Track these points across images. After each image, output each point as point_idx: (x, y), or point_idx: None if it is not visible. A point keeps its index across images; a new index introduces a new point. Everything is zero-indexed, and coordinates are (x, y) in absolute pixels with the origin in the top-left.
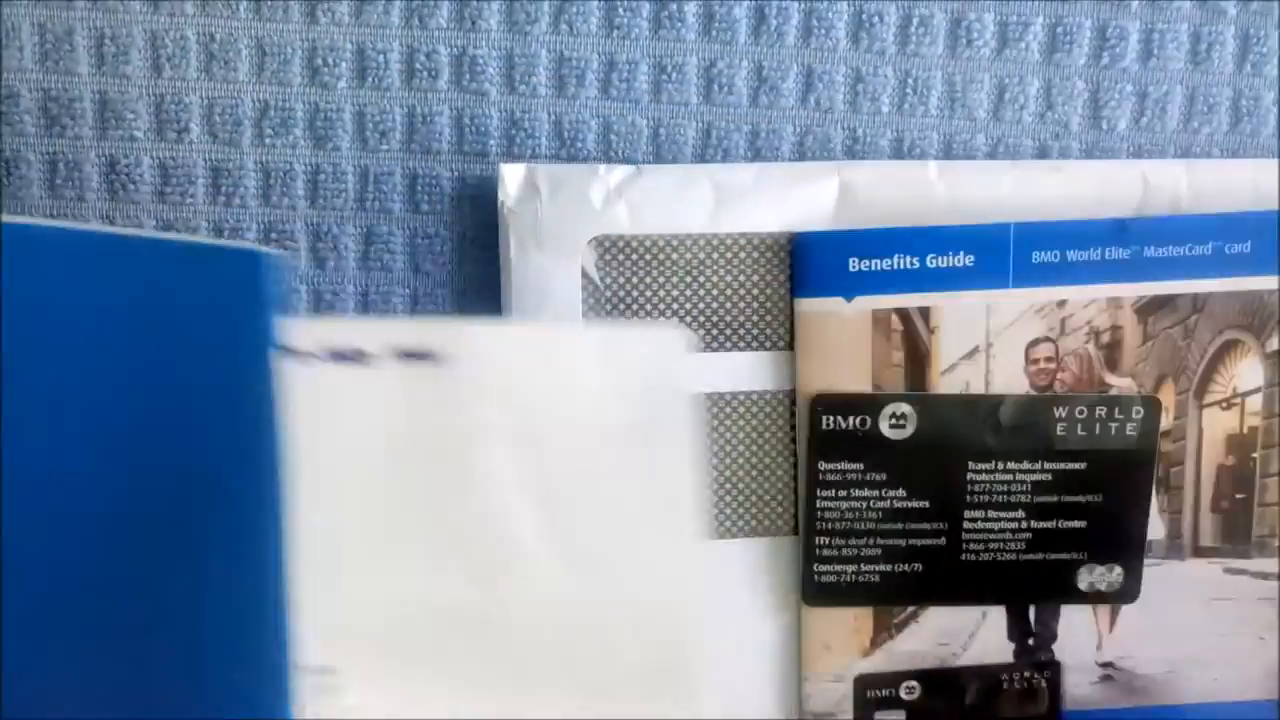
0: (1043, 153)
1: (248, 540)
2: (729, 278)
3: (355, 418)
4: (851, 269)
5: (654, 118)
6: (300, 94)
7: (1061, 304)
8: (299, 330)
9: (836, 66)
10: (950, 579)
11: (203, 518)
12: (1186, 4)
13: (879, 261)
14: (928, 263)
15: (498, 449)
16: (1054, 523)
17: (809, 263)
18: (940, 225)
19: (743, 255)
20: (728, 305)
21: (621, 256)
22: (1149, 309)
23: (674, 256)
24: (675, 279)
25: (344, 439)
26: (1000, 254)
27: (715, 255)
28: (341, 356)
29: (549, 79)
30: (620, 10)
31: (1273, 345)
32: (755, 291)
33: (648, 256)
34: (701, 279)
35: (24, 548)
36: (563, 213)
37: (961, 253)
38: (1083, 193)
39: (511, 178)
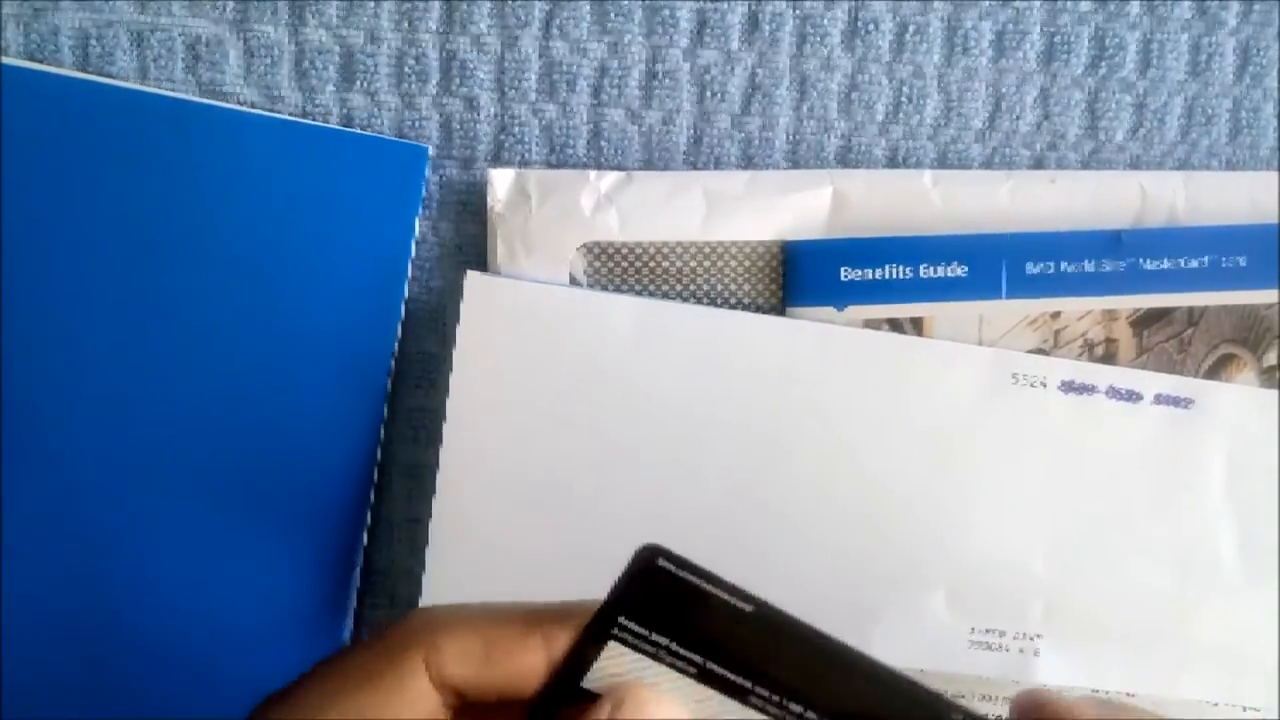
0: (1039, 163)
1: (342, 445)
2: (720, 285)
3: (1117, 448)
4: (843, 278)
5: (645, 124)
6: (288, 97)
7: (1055, 315)
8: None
9: (831, 74)
10: None
11: (313, 400)
12: (1186, 14)
13: (871, 271)
14: (921, 272)
15: (1219, 480)
16: None
17: (801, 271)
18: (934, 235)
19: (734, 263)
20: None
21: (611, 263)
22: (1144, 322)
23: (664, 264)
24: (665, 286)
25: (1105, 465)
26: (994, 264)
27: (706, 263)
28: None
29: (539, 84)
30: (612, 15)
31: (1270, 359)
32: (746, 300)
33: (638, 264)
34: (692, 287)
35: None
36: (552, 219)
37: (955, 263)
38: (1079, 204)
39: (501, 183)
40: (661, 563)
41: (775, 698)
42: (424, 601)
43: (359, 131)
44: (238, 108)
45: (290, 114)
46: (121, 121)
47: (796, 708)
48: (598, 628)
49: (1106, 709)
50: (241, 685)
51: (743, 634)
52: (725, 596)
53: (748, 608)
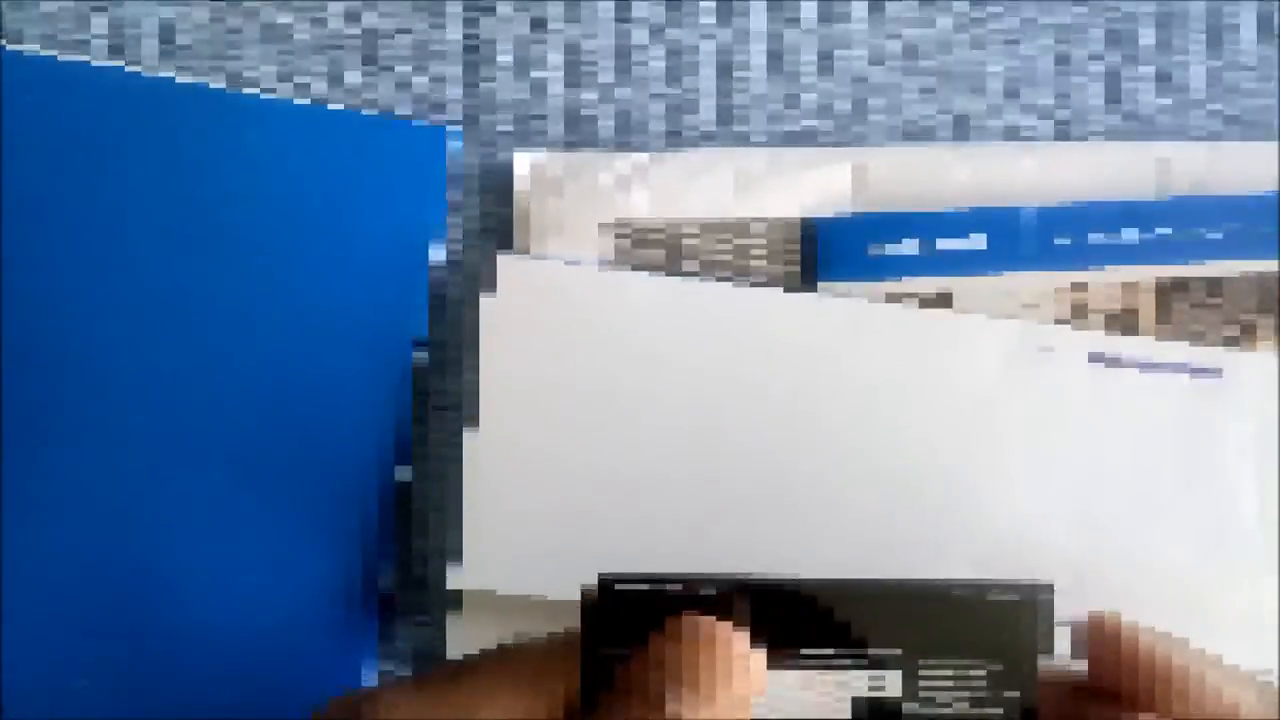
0: (1061, 134)
1: (370, 429)
2: (745, 263)
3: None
4: (868, 253)
5: (669, 103)
6: (309, 81)
7: (1079, 286)
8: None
9: (853, 48)
10: None
11: (341, 379)
12: None
13: (896, 245)
14: (944, 246)
15: (1246, 451)
16: None
17: (825, 247)
18: (957, 208)
19: (759, 241)
20: None
21: (637, 243)
22: (1167, 292)
23: (690, 243)
24: (691, 265)
25: (1131, 436)
26: (1018, 236)
27: (732, 241)
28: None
29: (565, 65)
30: None
31: None
32: (772, 277)
33: (664, 243)
34: (718, 265)
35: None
36: (578, 200)
37: (978, 235)
38: (1102, 175)
39: (526, 165)
40: (618, 587)
41: (817, 655)
42: (456, 582)
43: (378, 114)
44: (257, 93)
45: (311, 98)
46: (140, 108)
47: (824, 652)
48: (593, 673)
49: (1186, 652)
50: (272, 671)
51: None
52: (688, 589)
53: (710, 591)
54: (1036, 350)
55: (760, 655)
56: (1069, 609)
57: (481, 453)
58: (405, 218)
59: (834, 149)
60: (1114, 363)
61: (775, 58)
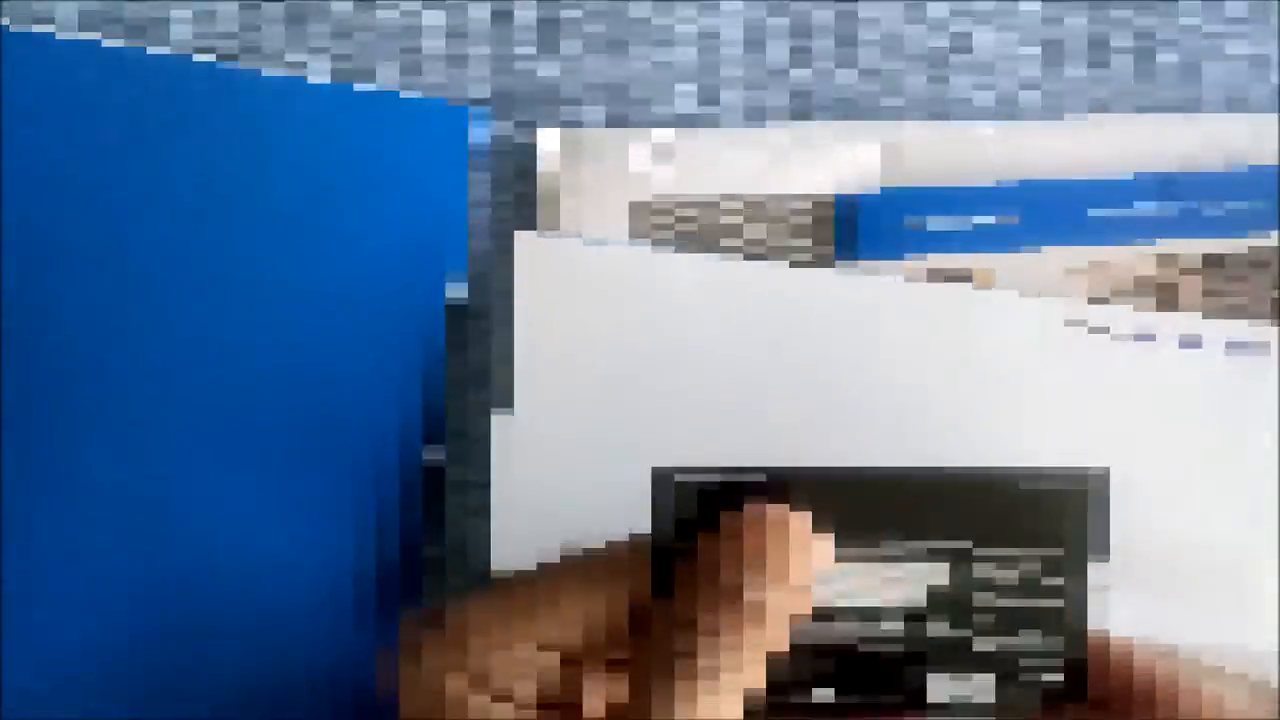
0: (1093, 108)
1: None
2: (774, 240)
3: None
4: (898, 229)
5: (696, 80)
6: (334, 60)
7: (1115, 262)
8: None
9: (879, 24)
10: None
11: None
12: None
13: (930, 221)
14: (976, 222)
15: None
16: None
17: (855, 224)
18: (991, 184)
19: (789, 217)
20: None
21: (664, 221)
22: (1202, 266)
23: (719, 219)
24: (720, 242)
25: (1169, 413)
26: (1051, 212)
27: (761, 218)
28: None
29: (589, 42)
30: None
31: None
32: (802, 254)
33: (691, 220)
34: (747, 242)
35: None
36: (604, 177)
37: (1011, 211)
38: (1135, 149)
39: (551, 142)
40: (679, 478)
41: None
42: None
43: (402, 94)
44: (279, 73)
45: (335, 78)
46: (157, 87)
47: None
48: (661, 564)
49: (1170, 659)
50: (303, 645)
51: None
52: (747, 479)
53: (762, 479)
54: (1071, 327)
55: (826, 539)
56: (1112, 587)
57: (512, 435)
58: (431, 198)
59: (864, 123)
60: (1149, 339)
61: (801, 34)
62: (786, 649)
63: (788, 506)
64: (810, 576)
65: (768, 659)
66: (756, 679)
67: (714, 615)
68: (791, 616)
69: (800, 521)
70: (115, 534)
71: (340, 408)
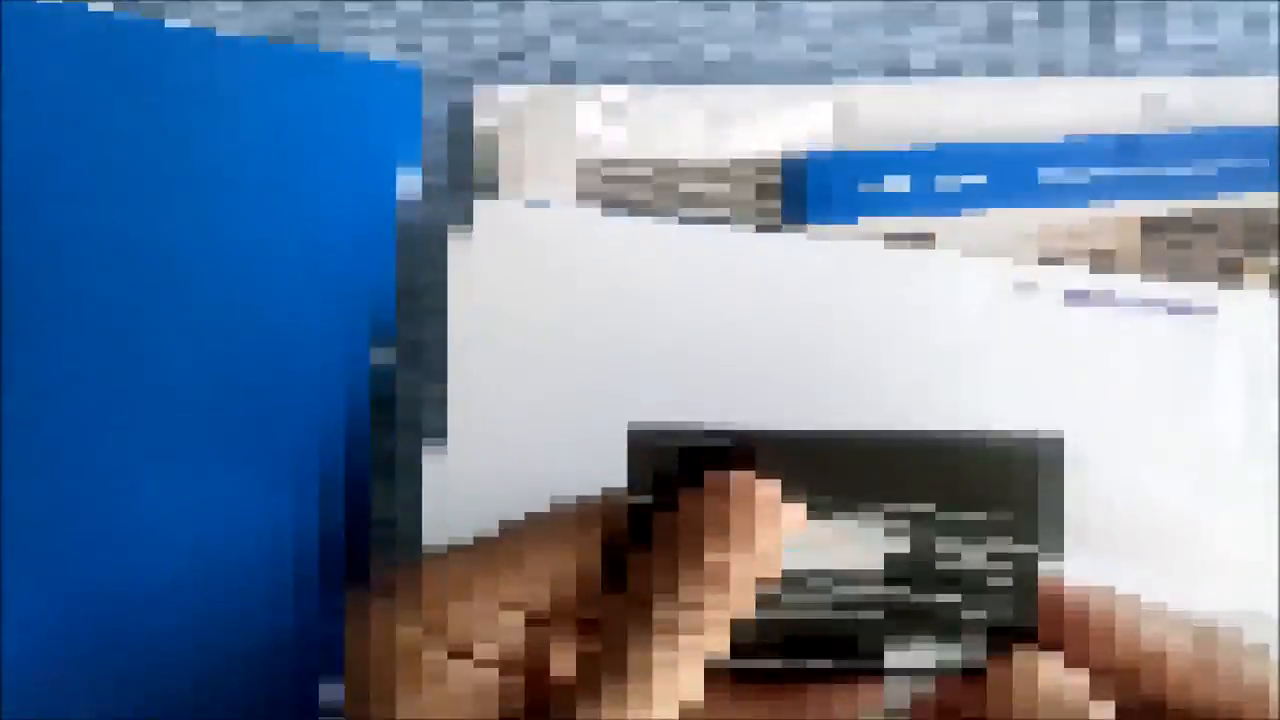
0: (1047, 69)
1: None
2: (726, 202)
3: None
4: (850, 192)
5: (648, 39)
6: (274, 18)
7: (1067, 224)
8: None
9: None
10: None
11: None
12: None
13: (884, 183)
14: (928, 184)
15: (1235, 389)
16: None
17: (813, 186)
18: (940, 145)
19: (740, 179)
20: None
21: (612, 182)
22: (1155, 228)
23: (668, 180)
24: (669, 203)
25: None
26: (1003, 174)
27: (711, 180)
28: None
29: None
30: None
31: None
32: (753, 216)
33: (640, 182)
34: (697, 204)
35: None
36: (551, 138)
37: (963, 173)
38: (1089, 110)
39: (496, 102)
40: (659, 444)
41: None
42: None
43: (351, 54)
44: (222, 32)
45: (275, 38)
46: (104, 45)
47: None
48: (637, 521)
49: (1110, 599)
50: (246, 624)
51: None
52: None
53: (725, 442)
54: (1020, 289)
55: (797, 506)
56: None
57: (453, 401)
58: (377, 161)
59: (815, 86)
60: (1098, 300)
61: None
62: (753, 615)
63: (753, 473)
64: (778, 543)
65: (732, 625)
66: (720, 645)
67: (677, 581)
68: (758, 581)
69: (769, 488)
70: (63, 504)
71: (278, 372)
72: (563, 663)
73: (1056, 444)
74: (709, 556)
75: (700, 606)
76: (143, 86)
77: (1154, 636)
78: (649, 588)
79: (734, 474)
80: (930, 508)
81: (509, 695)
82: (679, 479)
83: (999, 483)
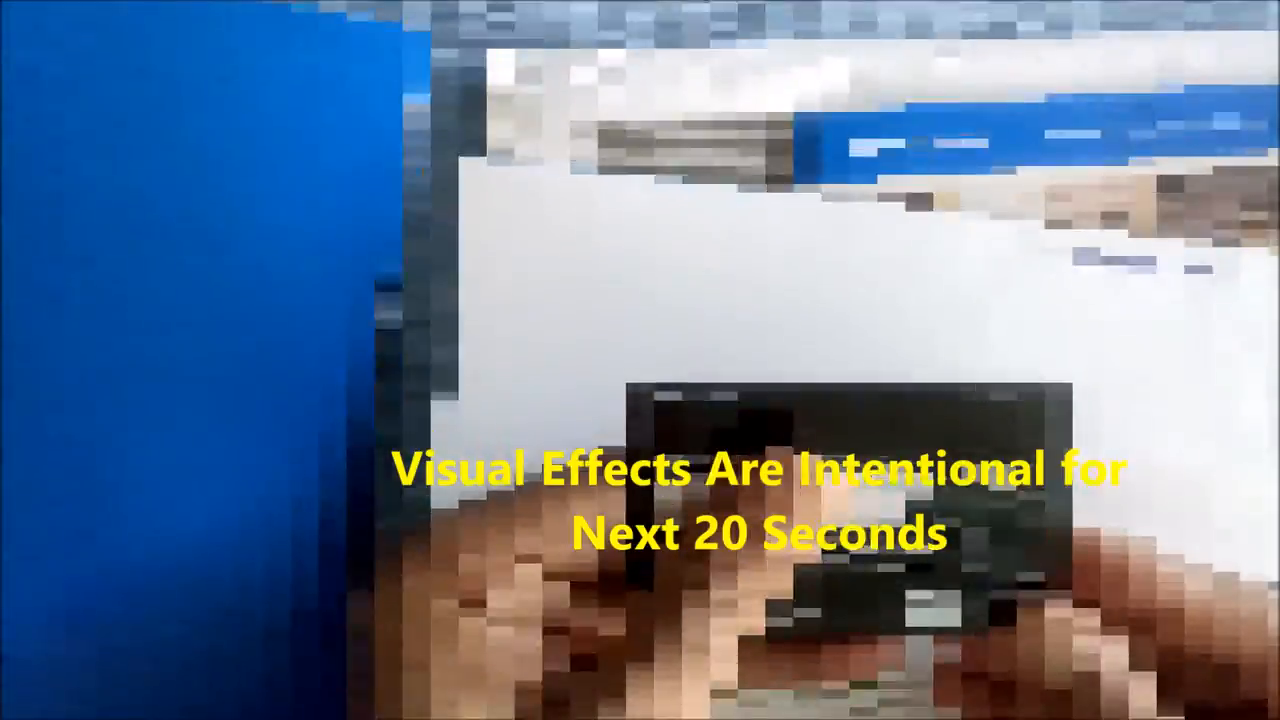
0: (1057, 27)
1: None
2: (732, 162)
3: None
4: (859, 152)
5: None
6: None
7: (1076, 183)
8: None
9: None
10: None
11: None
12: None
13: (891, 142)
14: (939, 144)
15: (1247, 350)
16: None
17: (816, 146)
18: (951, 104)
19: (747, 139)
20: None
21: (618, 143)
22: (1165, 187)
23: (674, 142)
24: (675, 164)
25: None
26: (1013, 133)
27: (718, 140)
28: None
29: None
30: None
31: None
32: (760, 176)
33: (646, 143)
34: (703, 164)
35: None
36: (556, 100)
37: (974, 133)
38: (1097, 69)
39: (500, 64)
40: (658, 395)
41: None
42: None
43: (336, 13)
44: None
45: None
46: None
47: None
48: (640, 474)
49: (1126, 544)
50: (244, 590)
51: (758, 419)
52: (719, 396)
53: (733, 396)
54: (1030, 250)
55: (846, 488)
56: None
57: (459, 367)
58: (370, 123)
59: (824, 42)
60: (1109, 261)
61: None
62: (790, 595)
63: (793, 451)
64: (818, 522)
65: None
66: (754, 626)
67: (719, 562)
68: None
69: (812, 468)
70: (56, 479)
71: (278, 336)
72: (587, 624)
73: (1064, 390)
74: (749, 541)
75: (761, 595)
76: (145, 46)
77: (1200, 591)
78: (685, 571)
79: (779, 450)
80: (944, 458)
81: (552, 658)
82: (676, 437)
83: (1012, 431)
